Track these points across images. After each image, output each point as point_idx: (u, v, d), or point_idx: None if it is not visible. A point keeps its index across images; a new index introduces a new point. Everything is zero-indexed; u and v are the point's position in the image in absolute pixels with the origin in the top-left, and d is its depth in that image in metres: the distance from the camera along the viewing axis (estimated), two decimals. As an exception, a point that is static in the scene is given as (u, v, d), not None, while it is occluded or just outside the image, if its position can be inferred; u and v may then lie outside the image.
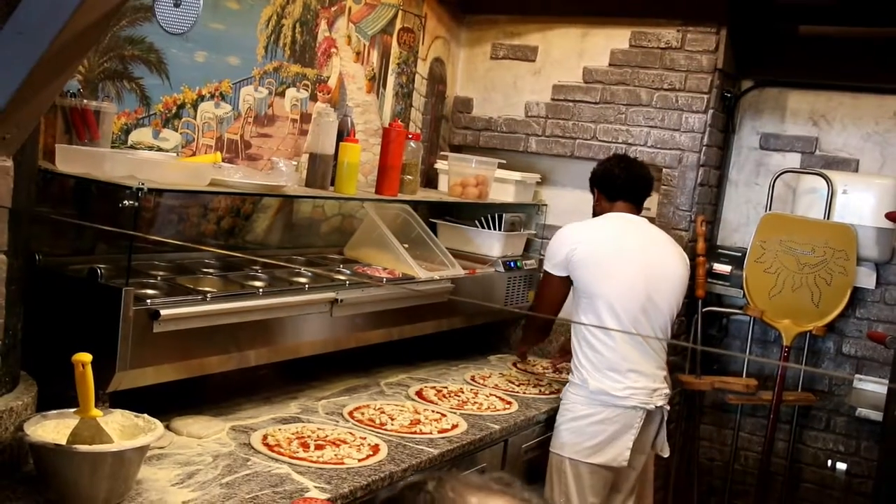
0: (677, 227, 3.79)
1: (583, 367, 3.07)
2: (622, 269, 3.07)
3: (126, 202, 2.19)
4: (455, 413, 2.98)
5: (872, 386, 3.77)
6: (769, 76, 3.98)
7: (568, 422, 3.07)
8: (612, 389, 3.00)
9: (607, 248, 3.12)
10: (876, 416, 3.57)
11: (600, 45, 3.93)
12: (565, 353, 3.52)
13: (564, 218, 4.09)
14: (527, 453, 3.16)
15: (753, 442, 4.06)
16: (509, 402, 3.21)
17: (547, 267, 3.23)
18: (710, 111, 3.73)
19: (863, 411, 3.66)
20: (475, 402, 3.15)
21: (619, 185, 3.25)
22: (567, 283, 3.18)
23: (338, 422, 2.75)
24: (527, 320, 3.63)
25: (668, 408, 3.13)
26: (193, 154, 2.91)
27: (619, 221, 3.22)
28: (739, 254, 3.90)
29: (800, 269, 3.74)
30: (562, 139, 4.03)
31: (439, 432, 2.75)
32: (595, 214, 3.32)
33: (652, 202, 3.89)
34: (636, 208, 3.28)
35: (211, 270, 2.84)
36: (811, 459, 3.96)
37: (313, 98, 3.39)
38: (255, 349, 2.64)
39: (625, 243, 3.14)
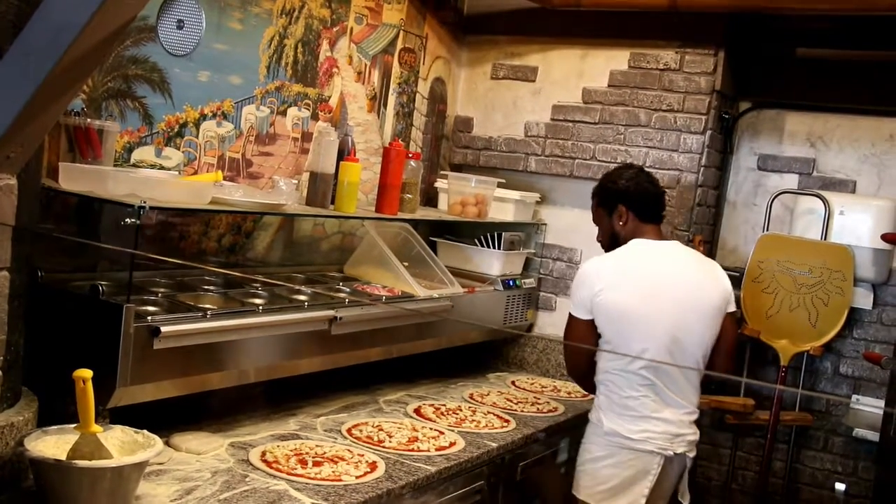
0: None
1: (599, 407, 2.89)
2: (649, 320, 2.79)
3: (128, 220, 2.21)
4: (453, 431, 2.99)
5: (869, 406, 3.78)
6: (767, 98, 4.02)
7: (585, 463, 2.90)
8: (626, 432, 2.79)
9: (634, 298, 2.81)
10: (873, 436, 3.57)
11: (599, 65, 3.97)
12: None
13: (563, 237, 4.14)
14: (524, 471, 3.16)
15: (751, 461, 4.06)
16: (507, 420, 3.22)
17: (571, 308, 2.93)
18: (709, 132, 3.76)
19: (860, 432, 3.67)
20: (473, 420, 3.16)
21: (653, 202, 2.95)
22: (593, 327, 2.87)
23: (336, 439, 2.76)
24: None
25: (693, 454, 2.89)
26: (195, 172, 2.94)
27: (651, 255, 2.89)
28: (737, 274, 3.91)
29: (797, 289, 3.75)
30: (561, 159, 4.06)
31: (437, 450, 2.76)
32: (614, 236, 2.97)
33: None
34: (659, 227, 3.00)
35: (211, 288, 2.87)
36: (809, 479, 3.96)
37: (314, 117, 3.42)
38: (255, 366, 2.66)
39: (656, 285, 2.84)
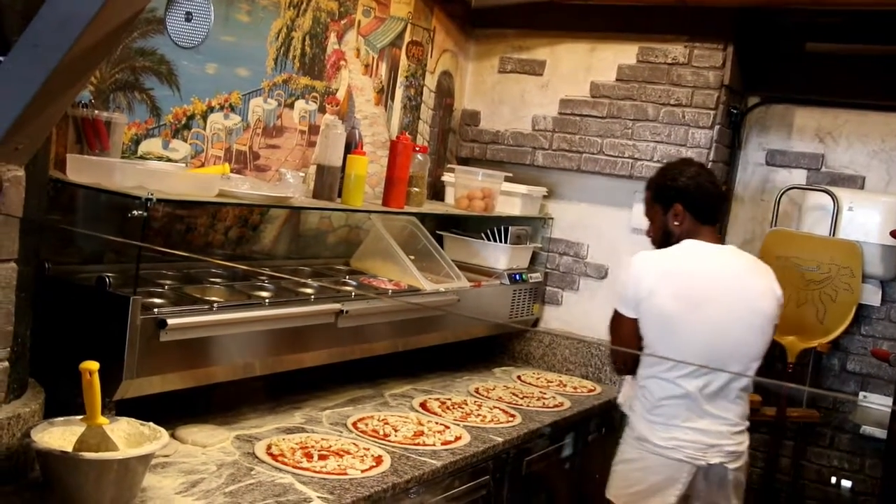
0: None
1: (634, 409, 2.84)
2: (694, 329, 2.69)
3: (135, 212, 2.21)
4: (458, 425, 2.99)
5: (877, 403, 3.77)
6: (776, 93, 4.00)
7: (617, 464, 2.86)
8: (655, 438, 2.73)
9: (679, 303, 2.70)
10: (881, 433, 3.57)
11: (608, 60, 3.96)
12: None
13: (570, 231, 4.13)
14: (530, 466, 3.16)
15: (757, 458, 4.05)
16: (513, 415, 3.22)
17: (616, 304, 2.85)
18: (717, 127, 3.75)
19: (867, 429, 3.66)
20: (479, 415, 3.16)
21: (713, 204, 2.83)
22: (638, 324, 2.78)
23: (342, 432, 2.76)
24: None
25: (737, 465, 2.75)
26: (202, 165, 2.94)
27: (703, 258, 2.77)
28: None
29: (805, 285, 3.72)
30: (568, 153, 4.05)
31: (442, 444, 2.76)
32: (667, 234, 2.85)
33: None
34: (715, 229, 2.87)
35: (218, 280, 2.87)
36: (815, 477, 3.95)
37: (322, 110, 3.42)
38: (261, 359, 2.66)
39: (703, 291, 2.73)
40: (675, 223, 2.81)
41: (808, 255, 3.71)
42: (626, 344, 2.81)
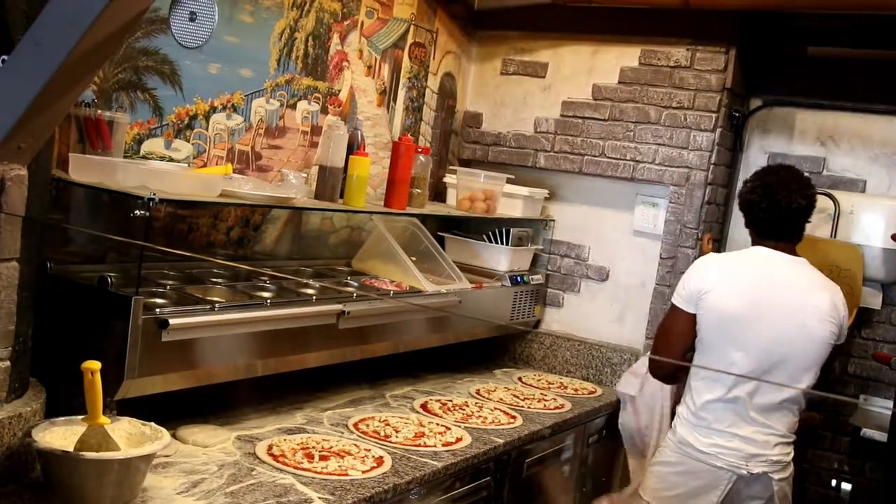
0: (684, 244, 3.80)
1: (679, 413, 2.85)
2: (748, 334, 2.70)
3: (137, 212, 2.21)
4: (459, 426, 2.99)
5: (878, 407, 3.76)
6: (777, 96, 3.99)
7: (655, 465, 2.88)
8: (696, 443, 2.74)
9: (739, 303, 2.72)
10: (881, 436, 3.56)
11: (610, 62, 3.96)
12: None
13: (572, 233, 4.13)
14: (530, 468, 3.16)
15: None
16: (514, 417, 3.22)
17: (674, 299, 2.86)
18: (719, 130, 3.75)
19: (868, 432, 3.65)
20: (480, 416, 3.16)
21: (777, 222, 2.80)
22: (694, 322, 2.79)
23: (342, 433, 2.76)
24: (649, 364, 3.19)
25: (782, 476, 2.74)
26: (204, 165, 2.94)
27: (769, 263, 2.78)
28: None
29: None
30: (570, 155, 4.05)
31: (443, 445, 2.76)
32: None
33: (658, 218, 3.91)
34: (790, 245, 2.82)
35: (220, 280, 2.87)
36: (815, 479, 3.95)
37: (324, 111, 3.42)
38: (262, 359, 2.66)
39: (769, 297, 2.72)
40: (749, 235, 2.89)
41: (810, 257, 3.68)
42: (676, 342, 2.82)
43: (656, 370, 3.04)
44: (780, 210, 2.77)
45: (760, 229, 2.83)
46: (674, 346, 2.84)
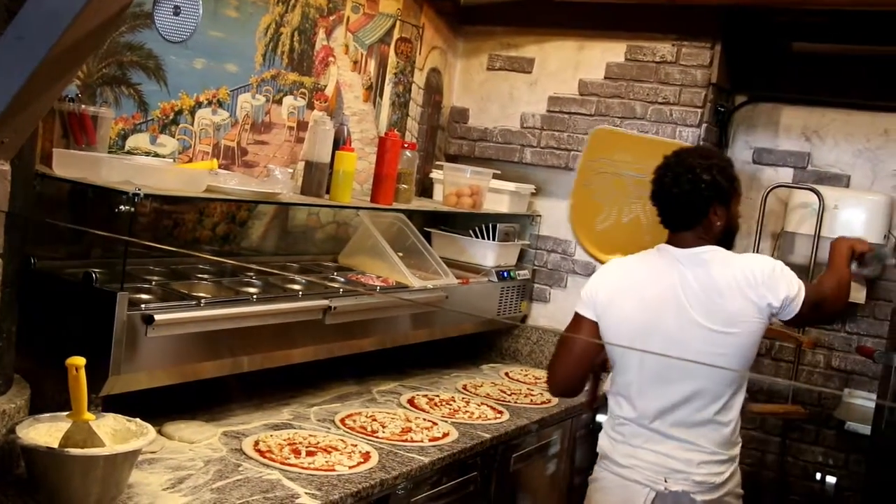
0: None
1: (603, 426, 2.62)
2: (642, 343, 2.42)
3: (122, 207, 2.20)
4: (446, 421, 2.99)
5: (861, 400, 3.79)
6: (763, 91, 4.02)
7: (589, 482, 2.64)
8: (615, 455, 2.50)
9: (632, 319, 2.45)
10: (865, 429, 3.59)
11: (596, 57, 3.97)
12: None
13: (558, 229, 4.14)
14: (517, 463, 3.17)
15: (742, 454, 4.07)
16: (500, 412, 3.22)
17: (577, 305, 2.57)
18: (704, 125, 3.76)
19: (852, 425, 3.68)
20: (467, 411, 3.17)
21: (670, 206, 2.47)
22: (597, 332, 2.50)
23: (329, 429, 2.76)
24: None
25: (705, 499, 2.42)
26: (190, 160, 2.93)
27: (661, 265, 2.46)
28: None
29: (632, 195, 3.02)
30: (557, 150, 4.06)
31: (430, 440, 2.77)
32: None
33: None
34: (691, 234, 2.45)
35: (205, 276, 2.86)
36: (800, 472, 3.98)
37: (310, 106, 3.41)
38: (248, 355, 2.65)
39: (658, 310, 2.42)
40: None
41: (636, 159, 3.00)
42: (577, 354, 2.55)
43: (551, 387, 2.68)
44: (667, 195, 2.44)
45: (662, 221, 2.51)
46: (574, 357, 2.55)
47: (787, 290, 2.41)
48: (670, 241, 2.49)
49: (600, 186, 2.89)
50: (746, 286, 2.39)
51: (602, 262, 2.94)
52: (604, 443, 2.58)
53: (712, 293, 2.39)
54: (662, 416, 2.44)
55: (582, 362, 2.55)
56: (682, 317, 2.39)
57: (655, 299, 2.43)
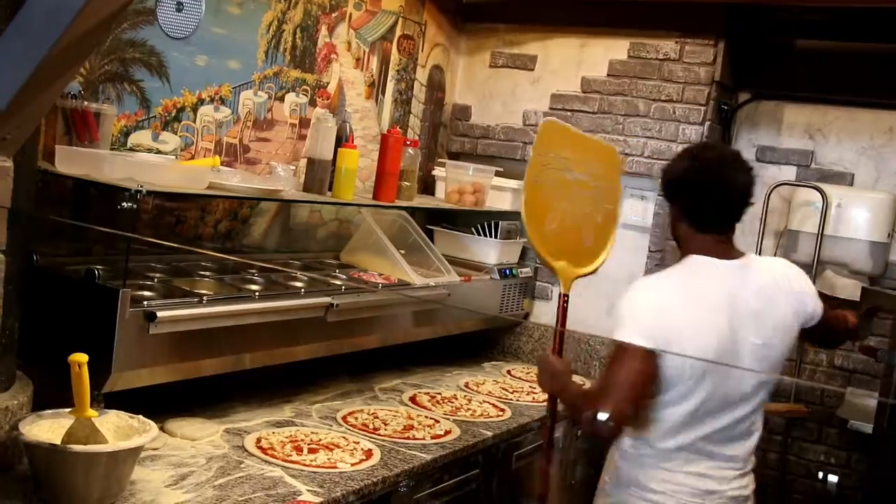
0: (671, 238, 3.80)
1: (621, 448, 2.42)
2: (716, 375, 2.24)
3: (124, 204, 2.20)
4: (448, 419, 2.99)
5: (864, 398, 3.78)
6: (766, 89, 4.01)
7: None
8: (644, 479, 2.34)
9: (707, 341, 2.22)
10: (867, 428, 3.58)
11: (599, 55, 3.96)
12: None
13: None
14: (519, 461, 3.16)
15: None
16: (503, 410, 3.22)
17: (626, 334, 2.22)
18: (707, 123, 3.76)
19: (854, 423, 3.68)
20: (469, 409, 3.16)
21: (706, 202, 2.28)
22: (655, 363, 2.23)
23: (331, 426, 2.76)
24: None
25: None
26: (192, 157, 2.93)
27: (722, 282, 2.27)
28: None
29: (573, 197, 2.75)
30: (559, 148, 4.05)
31: (432, 438, 2.76)
32: (677, 242, 2.40)
33: (646, 211, 3.91)
34: (730, 237, 2.32)
35: (207, 273, 2.86)
36: (802, 471, 3.97)
37: (312, 103, 3.40)
38: (251, 352, 2.65)
39: (731, 329, 2.24)
40: (672, 228, 2.37)
41: (579, 158, 2.77)
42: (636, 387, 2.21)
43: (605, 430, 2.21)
44: (726, 190, 2.26)
45: (701, 219, 2.29)
46: (631, 392, 2.21)
47: (815, 299, 2.39)
48: (707, 252, 2.29)
49: (549, 184, 2.66)
50: (787, 293, 2.32)
51: (552, 268, 2.62)
52: (629, 468, 2.36)
53: (759, 305, 2.28)
54: (708, 437, 2.30)
55: (640, 397, 2.24)
56: (738, 334, 2.25)
57: (718, 320, 2.23)
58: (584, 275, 2.70)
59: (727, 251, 2.31)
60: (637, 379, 2.19)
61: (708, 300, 2.25)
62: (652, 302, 2.26)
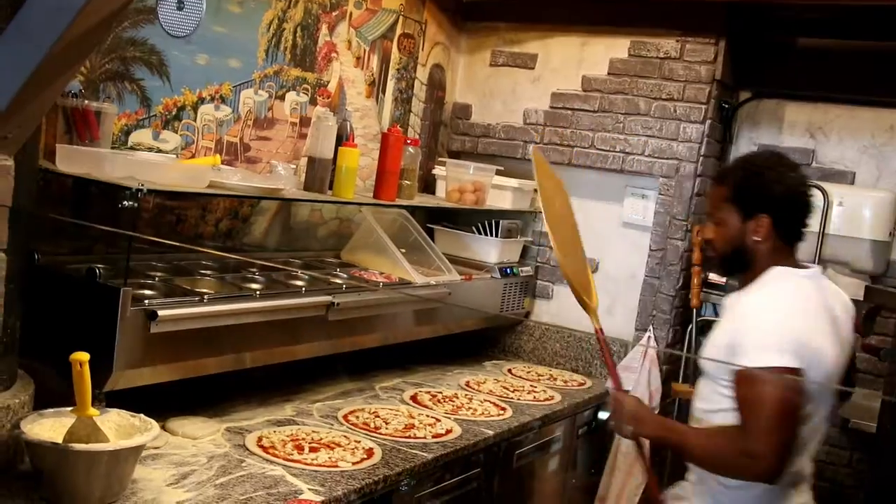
0: (673, 236, 3.80)
1: (714, 482, 2.26)
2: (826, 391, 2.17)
3: (125, 203, 2.20)
4: (449, 418, 2.99)
5: (866, 397, 3.78)
6: (767, 87, 4.00)
7: None
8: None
9: (831, 355, 2.15)
10: (869, 427, 3.58)
11: (599, 53, 3.96)
12: None
13: (561, 225, 4.12)
14: (520, 460, 3.16)
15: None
16: (504, 408, 3.22)
17: (773, 358, 2.05)
18: (708, 121, 3.75)
19: (856, 422, 3.67)
20: (469, 408, 3.16)
21: (804, 218, 2.25)
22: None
23: (332, 425, 2.75)
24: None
25: None
26: (193, 156, 2.93)
27: (823, 298, 2.21)
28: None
29: (571, 229, 2.73)
30: (559, 147, 4.05)
31: (433, 437, 2.76)
32: (742, 252, 2.26)
33: (647, 210, 3.91)
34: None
35: (208, 272, 2.86)
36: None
37: (313, 102, 3.40)
38: (252, 351, 2.65)
39: (834, 344, 2.16)
40: (756, 238, 2.23)
41: (556, 186, 2.77)
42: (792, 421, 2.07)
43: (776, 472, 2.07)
44: (808, 201, 2.26)
45: (795, 231, 2.26)
46: (790, 430, 2.07)
47: None
48: (790, 263, 2.25)
49: (558, 218, 2.61)
50: (844, 302, 2.31)
51: (586, 304, 2.51)
52: (736, 499, 2.20)
53: (840, 314, 2.25)
54: (804, 459, 2.24)
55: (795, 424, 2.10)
56: (838, 346, 2.19)
57: (832, 332, 2.17)
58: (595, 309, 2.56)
59: (798, 262, 2.29)
60: (794, 412, 2.05)
61: (821, 313, 2.18)
62: (792, 323, 2.11)
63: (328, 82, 3.48)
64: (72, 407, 1.99)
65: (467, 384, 3.52)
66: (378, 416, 2.87)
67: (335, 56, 3.49)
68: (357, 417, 2.84)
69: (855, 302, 3.40)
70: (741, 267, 2.29)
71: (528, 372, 3.89)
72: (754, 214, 2.22)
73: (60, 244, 2.56)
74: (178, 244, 2.70)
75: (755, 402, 2.05)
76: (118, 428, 2.10)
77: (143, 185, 2.19)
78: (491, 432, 2.93)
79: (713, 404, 2.21)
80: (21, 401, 2.03)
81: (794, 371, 2.04)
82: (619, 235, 4.00)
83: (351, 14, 3.53)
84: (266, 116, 3.20)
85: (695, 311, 3.88)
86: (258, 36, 3.10)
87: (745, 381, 2.08)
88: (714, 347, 2.21)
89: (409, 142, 3.41)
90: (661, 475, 3.80)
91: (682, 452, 2.26)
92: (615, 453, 3.67)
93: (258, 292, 2.67)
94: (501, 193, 3.96)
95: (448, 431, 2.84)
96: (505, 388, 3.53)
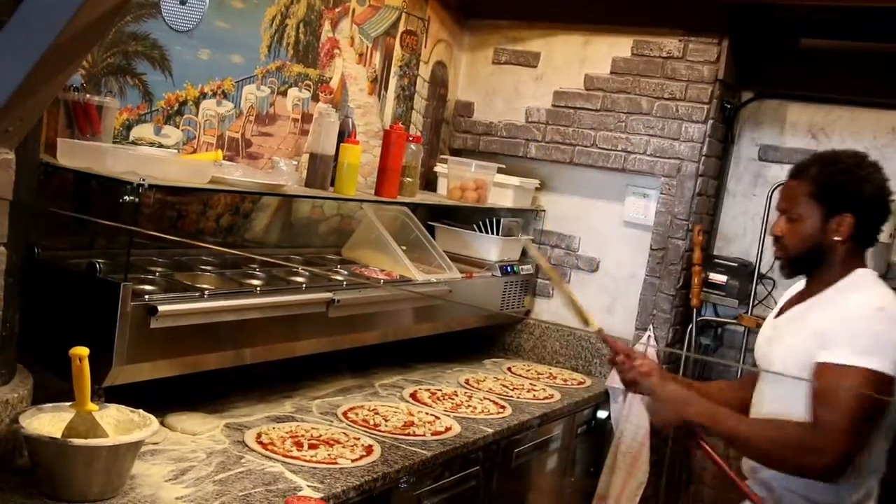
0: (674, 236, 3.80)
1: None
2: None
3: (126, 198, 2.20)
4: (449, 416, 2.99)
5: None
6: (769, 88, 3.99)
7: None
8: None
9: None
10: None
11: (602, 52, 3.95)
12: None
13: (562, 224, 4.13)
14: (519, 458, 3.16)
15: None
16: (503, 406, 3.22)
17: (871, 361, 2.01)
18: (710, 121, 3.75)
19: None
20: (469, 406, 3.16)
21: (883, 221, 2.21)
22: None
23: (332, 422, 2.75)
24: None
25: None
26: (194, 151, 2.92)
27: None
28: (735, 264, 3.91)
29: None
30: (561, 145, 4.05)
31: (433, 434, 2.76)
32: (818, 250, 2.20)
33: (648, 209, 3.91)
34: None
35: (209, 268, 2.85)
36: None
37: (315, 98, 3.40)
38: (251, 347, 2.65)
39: None
40: (837, 238, 2.16)
41: None
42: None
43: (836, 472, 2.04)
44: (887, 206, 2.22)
45: (872, 236, 2.22)
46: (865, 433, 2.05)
47: None
48: (865, 265, 2.23)
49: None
50: None
51: (587, 320, 2.54)
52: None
53: None
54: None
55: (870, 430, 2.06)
56: None
57: None
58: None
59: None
60: (874, 418, 2.02)
61: None
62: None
63: (330, 79, 3.47)
64: (71, 402, 1.98)
65: (467, 382, 3.52)
66: (377, 414, 2.87)
67: (338, 52, 3.48)
68: (356, 414, 2.84)
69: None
70: (811, 267, 2.23)
71: (528, 370, 3.88)
72: (837, 213, 2.15)
73: (61, 238, 2.55)
74: (178, 239, 2.70)
75: (836, 398, 2.00)
76: (117, 423, 2.10)
77: (144, 179, 2.19)
78: (490, 430, 2.93)
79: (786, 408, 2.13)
80: (20, 395, 2.03)
81: (890, 379, 1.99)
82: (620, 234, 4.00)
83: (354, 10, 3.52)
84: (268, 112, 3.20)
85: (695, 310, 3.88)
86: (261, 31, 3.09)
87: (832, 376, 2.00)
88: (791, 352, 2.14)
89: (410, 139, 3.41)
90: (660, 475, 3.81)
91: (733, 440, 2.20)
92: (615, 453, 3.67)
93: (258, 288, 2.67)
94: (503, 191, 3.95)
95: (447, 429, 2.84)
96: (504, 386, 3.53)
